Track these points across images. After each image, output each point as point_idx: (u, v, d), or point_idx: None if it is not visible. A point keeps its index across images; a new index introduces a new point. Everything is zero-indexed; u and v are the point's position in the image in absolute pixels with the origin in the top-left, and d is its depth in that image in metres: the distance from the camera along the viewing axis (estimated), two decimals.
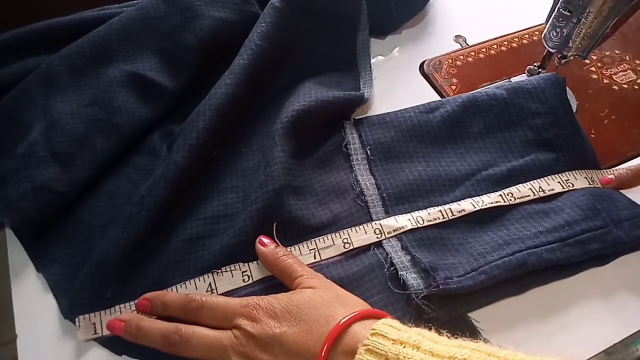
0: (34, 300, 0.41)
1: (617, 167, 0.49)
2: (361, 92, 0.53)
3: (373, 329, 0.33)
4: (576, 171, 0.48)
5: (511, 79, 0.57)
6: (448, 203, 0.45)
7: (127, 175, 0.47)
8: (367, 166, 0.48)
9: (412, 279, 0.41)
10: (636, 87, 0.57)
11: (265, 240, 0.42)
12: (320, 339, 0.34)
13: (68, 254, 0.43)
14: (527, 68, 0.56)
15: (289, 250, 0.42)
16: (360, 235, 0.43)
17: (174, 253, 0.43)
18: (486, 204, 0.45)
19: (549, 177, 0.47)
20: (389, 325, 0.33)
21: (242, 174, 0.47)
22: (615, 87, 0.57)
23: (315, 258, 0.43)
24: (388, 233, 0.43)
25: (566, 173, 0.47)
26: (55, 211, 0.44)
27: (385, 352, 0.32)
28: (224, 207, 0.45)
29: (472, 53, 0.60)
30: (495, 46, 0.61)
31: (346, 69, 0.55)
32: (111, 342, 0.39)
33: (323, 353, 0.34)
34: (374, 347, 0.32)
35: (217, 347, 0.37)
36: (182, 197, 0.45)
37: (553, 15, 0.48)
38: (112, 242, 0.41)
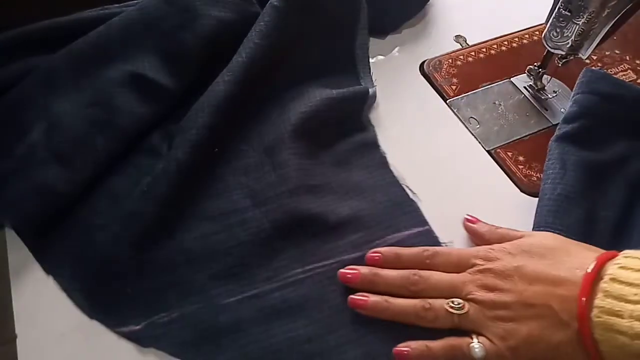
0: (34, 301, 0.41)
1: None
2: (362, 86, 0.53)
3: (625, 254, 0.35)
4: None
5: (511, 79, 0.57)
6: None
7: (128, 174, 0.47)
8: None
9: None
10: None
11: (473, 218, 0.45)
12: (566, 269, 0.36)
13: (73, 254, 0.43)
14: (528, 68, 0.56)
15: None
16: None
17: (188, 251, 0.43)
18: None
19: None
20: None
21: (244, 171, 0.48)
22: None
23: None
24: None
25: None
26: (57, 211, 0.44)
27: None
28: (232, 204, 0.45)
29: (472, 53, 0.60)
30: (495, 46, 0.61)
31: (345, 69, 0.55)
32: (139, 335, 0.39)
33: (591, 269, 0.35)
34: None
35: (456, 283, 0.39)
36: (184, 193, 0.45)
37: (553, 15, 0.48)
38: (119, 238, 0.42)
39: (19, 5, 0.54)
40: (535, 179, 0.50)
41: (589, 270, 0.35)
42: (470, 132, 0.53)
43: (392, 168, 0.49)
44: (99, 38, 0.50)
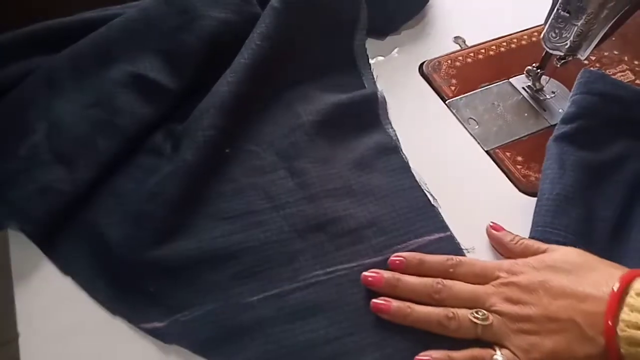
0: (36, 300, 0.41)
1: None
2: (369, 89, 0.54)
3: None
4: None
5: (510, 80, 0.58)
6: None
7: (132, 175, 0.47)
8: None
9: None
10: None
11: (497, 225, 0.45)
12: (591, 285, 0.36)
13: (87, 254, 0.43)
14: (526, 69, 0.56)
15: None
16: None
17: (207, 251, 0.43)
18: None
19: None
20: None
21: (257, 172, 0.48)
22: None
23: None
24: None
25: None
26: (63, 212, 0.44)
27: None
28: (248, 205, 0.46)
29: (472, 54, 0.60)
30: (494, 47, 0.61)
31: (346, 68, 0.56)
32: (163, 332, 0.39)
33: (616, 289, 0.35)
34: None
35: (480, 294, 0.39)
36: (196, 194, 0.45)
37: (552, 16, 0.49)
38: (132, 238, 0.42)
39: (20, 6, 0.54)
40: (534, 179, 0.50)
41: (615, 289, 0.35)
42: (469, 132, 0.53)
43: (413, 172, 0.49)
44: (100, 39, 0.50)
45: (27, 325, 0.40)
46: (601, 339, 0.34)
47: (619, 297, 0.35)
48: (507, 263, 0.41)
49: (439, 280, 0.40)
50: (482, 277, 0.40)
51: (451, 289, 0.39)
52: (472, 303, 0.39)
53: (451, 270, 0.41)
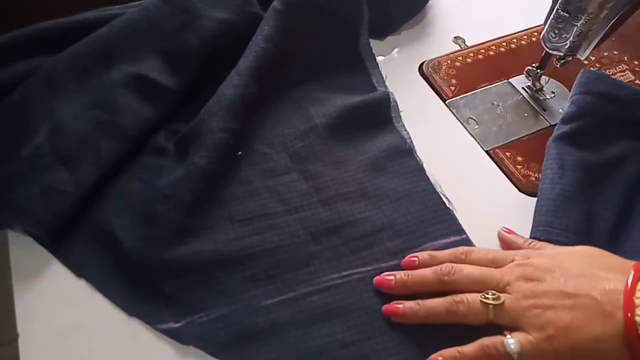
0: (36, 300, 0.41)
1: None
2: (381, 89, 0.54)
3: None
4: None
5: (510, 80, 0.58)
6: None
7: (137, 175, 0.47)
8: None
9: None
10: None
11: (508, 229, 0.45)
12: (607, 269, 0.36)
13: (100, 255, 0.43)
14: (526, 69, 0.56)
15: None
16: None
17: (222, 253, 0.43)
18: None
19: None
20: None
21: (270, 174, 0.48)
22: None
23: None
24: None
25: None
26: (69, 213, 0.44)
27: None
28: (262, 207, 0.45)
29: (471, 54, 0.60)
30: (494, 47, 0.61)
31: (354, 70, 0.56)
32: (179, 333, 0.39)
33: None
34: None
35: (493, 274, 0.38)
36: (210, 196, 0.45)
37: (552, 17, 0.49)
38: (145, 240, 0.42)
39: (20, 6, 0.54)
40: (534, 179, 0.50)
41: (631, 276, 0.35)
42: (469, 132, 0.53)
43: (428, 175, 0.49)
44: (100, 39, 0.50)
45: (27, 325, 0.40)
46: (620, 314, 0.34)
47: (636, 281, 0.35)
48: (522, 250, 0.41)
49: (448, 264, 0.39)
50: (495, 263, 0.40)
51: (462, 270, 0.39)
52: (484, 285, 0.38)
53: (462, 256, 0.40)
